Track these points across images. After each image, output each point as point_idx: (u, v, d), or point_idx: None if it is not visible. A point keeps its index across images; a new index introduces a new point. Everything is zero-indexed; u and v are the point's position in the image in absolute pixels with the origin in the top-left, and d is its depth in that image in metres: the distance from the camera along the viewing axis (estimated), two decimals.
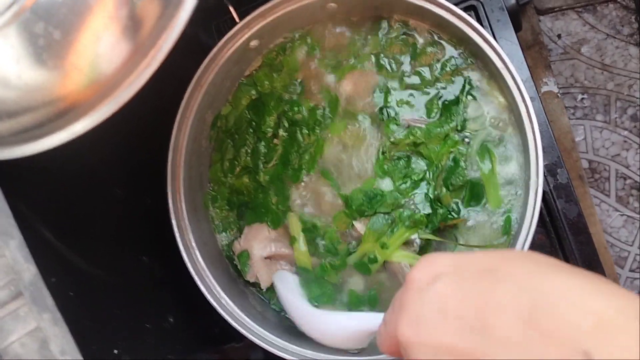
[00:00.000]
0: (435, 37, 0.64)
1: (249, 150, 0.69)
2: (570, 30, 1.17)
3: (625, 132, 1.14)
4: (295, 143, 0.66)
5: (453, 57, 0.63)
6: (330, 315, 0.59)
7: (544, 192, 0.70)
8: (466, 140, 0.63)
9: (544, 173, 0.70)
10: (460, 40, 0.62)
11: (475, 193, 0.61)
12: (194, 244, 0.64)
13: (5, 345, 0.43)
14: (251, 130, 0.69)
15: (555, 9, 1.17)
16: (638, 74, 1.16)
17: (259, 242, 0.65)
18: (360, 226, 0.63)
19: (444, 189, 0.63)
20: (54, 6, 0.38)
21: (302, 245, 0.65)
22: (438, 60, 0.63)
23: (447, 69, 0.63)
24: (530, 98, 0.69)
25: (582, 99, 1.15)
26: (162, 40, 0.41)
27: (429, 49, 0.64)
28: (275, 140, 0.68)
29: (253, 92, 0.68)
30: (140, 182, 0.70)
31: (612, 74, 1.16)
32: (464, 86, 0.63)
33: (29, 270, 0.43)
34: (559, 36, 1.16)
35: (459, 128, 0.63)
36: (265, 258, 0.66)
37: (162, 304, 0.69)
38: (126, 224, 0.68)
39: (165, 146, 0.65)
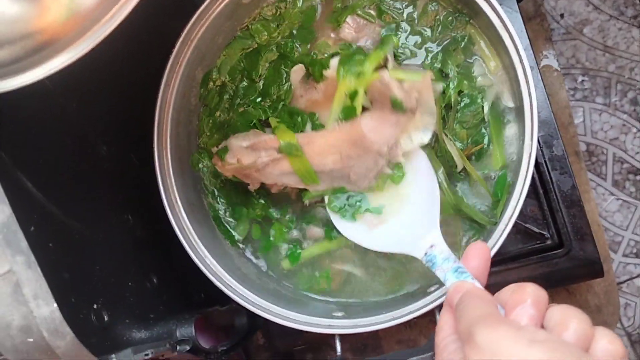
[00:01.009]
0: None
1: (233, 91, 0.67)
2: (574, 10, 1.15)
3: (625, 116, 1.13)
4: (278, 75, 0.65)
5: (454, 16, 0.61)
6: None
7: (539, 164, 0.69)
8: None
9: (540, 144, 0.69)
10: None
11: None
12: (179, 203, 0.63)
13: None
14: (241, 79, 0.67)
15: None
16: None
17: (237, 138, 0.62)
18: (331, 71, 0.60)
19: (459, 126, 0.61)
20: None
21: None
22: (439, 21, 0.61)
23: (449, 27, 0.61)
24: (530, 67, 0.68)
25: (583, 80, 1.13)
26: None
27: (430, 7, 0.62)
28: None
29: (249, 42, 0.67)
30: (127, 139, 0.68)
31: (614, 56, 1.14)
32: (465, 39, 0.61)
33: (2, 211, 0.42)
34: (562, 16, 1.14)
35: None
36: (246, 148, 0.61)
37: (146, 264, 0.67)
38: (110, 181, 0.66)
39: (152, 102, 0.64)
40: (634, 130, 1.13)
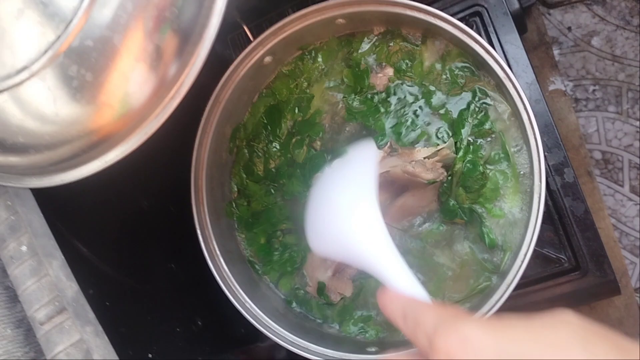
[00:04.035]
0: (439, 53, 0.67)
1: (263, 152, 0.73)
2: (580, 23, 1.18)
3: (638, 123, 1.16)
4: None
5: (460, 69, 0.66)
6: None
7: (552, 191, 0.72)
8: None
9: (551, 173, 0.72)
10: (465, 52, 0.64)
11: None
12: (218, 252, 0.68)
13: (52, 355, 0.47)
14: (267, 135, 0.72)
15: (565, 2, 1.18)
16: None
17: (318, 270, 0.69)
18: None
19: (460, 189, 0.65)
20: (85, 51, 0.42)
21: None
22: (446, 76, 0.66)
23: (457, 83, 0.66)
24: (535, 100, 0.72)
25: (594, 90, 1.16)
26: (184, 75, 0.44)
27: (437, 65, 0.66)
28: None
29: (271, 101, 0.72)
30: (165, 193, 0.74)
31: (623, 65, 1.17)
32: (474, 94, 0.66)
33: (71, 287, 0.47)
34: (569, 29, 1.17)
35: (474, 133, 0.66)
36: (333, 276, 0.69)
37: (190, 308, 0.73)
38: (153, 233, 0.72)
39: (187, 157, 0.69)
40: None
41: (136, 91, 0.44)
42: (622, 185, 1.13)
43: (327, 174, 0.60)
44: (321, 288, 0.68)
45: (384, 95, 0.69)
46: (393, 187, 0.66)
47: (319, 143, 0.70)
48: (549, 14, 1.18)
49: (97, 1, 0.41)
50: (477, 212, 0.64)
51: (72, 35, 0.41)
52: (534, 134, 0.57)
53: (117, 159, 0.45)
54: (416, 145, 0.66)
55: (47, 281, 0.47)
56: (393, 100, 0.69)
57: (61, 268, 0.48)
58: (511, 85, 0.59)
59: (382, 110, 0.69)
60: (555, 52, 1.15)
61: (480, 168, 0.63)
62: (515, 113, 0.61)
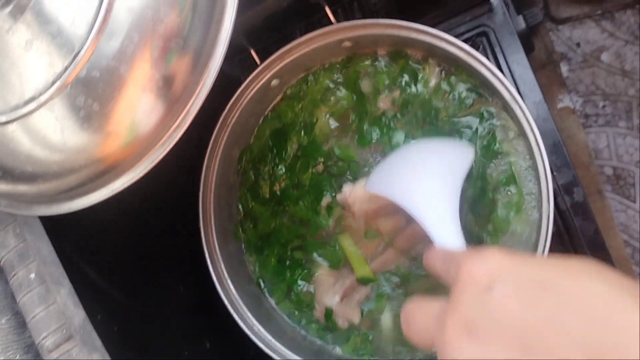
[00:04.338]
0: (444, 74, 0.67)
1: (269, 175, 0.73)
2: (589, 38, 1.18)
3: None
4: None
5: (467, 90, 0.66)
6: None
7: (561, 211, 0.72)
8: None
9: (561, 192, 0.72)
10: (471, 73, 0.64)
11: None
12: (226, 275, 0.68)
13: None
14: (272, 157, 0.73)
15: (573, 18, 1.18)
16: None
17: (327, 294, 0.69)
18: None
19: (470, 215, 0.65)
20: (92, 81, 0.42)
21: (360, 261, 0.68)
22: (453, 98, 0.66)
23: (464, 104, 0.66)
24: (543, 119, 0.71)
25: (604, 106, 1.15)
26: (190, 104, 0.45)
27: (443, 86, 0.66)
28: None
29: (277, 124, 0.72)
30: (173, 215, 0.74)
31: (633, 80, 1.16)
32: (482, 117, 0.65)
33: (78, 315, 0.48)
34: (578, 45, 1.17)
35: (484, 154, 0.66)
36: (341, 301, 0.68)
37: (199, 330, 0.73)
38: (161, 255, 0.72)
39: (195, 179, 0.69)
40: None
41: (142, 120, 0.44)
42: (634, 201, 1.12)
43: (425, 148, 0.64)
44: (329, 314, 0.68)
45: (392, 113, 0.69)
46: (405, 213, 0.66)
47: (322, 166, 0.70)
48: (558, 30, 1.18)
49: (104, 32, 0.41)
50: (483, 238, 0.63)
51: (79, 66, 0.42)
52: (542, 157, 0.57)
53: (124, 187, 0.46)
54: None
55: (55, 309, 0.48)
56: (403, 116, 0.69)
57: (69, 295, 0.48)
58: (517, 107, 0.59)
59: (393, 126, 0.69)
60: (564, 68, 1.15)
61: (490, 194, 0.63)
62: (522, 135, 0.61)
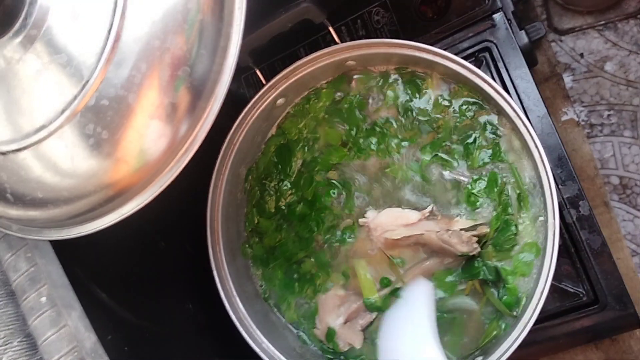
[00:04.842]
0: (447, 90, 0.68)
1: (274, 190, 0.74)
2: (593, 49, 1.18)
3: None
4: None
5: (469, 104, 0.66)
6: None
7: (567, 224, 0.72)
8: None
9: (567, 206, 0.72)
10: (473, 89, 0.65)
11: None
12: (234, 292, 0.69)
13: None
14: (277, 173, 0.74)
15: (576, 29, 1.18)
16: None
17: (331, 315, 0.69)
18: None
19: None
20: (101, 110, 0.43)
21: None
22: (454, 110, 0.66)
23: (466, 115, 0.66)
24: (548, 134, 0.72)
25: (609, 115, 1.15)
26: (197, 130, 0.46)
27: (445, 100, 0.67)
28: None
29: (282, 140, 0.73)
30: (181, 233, 0.75)
31: (637, 90, 1.17)
32: (484, 127, 0.66)
33: (89, 338, 0.48)
34: (582, 55, 1.17)
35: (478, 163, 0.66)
36: (345, 324, 0.69)
37: (208, 347, 0.73)
38: (170, 273, 0.73)
39: (203, 197, 0.70)
40: None
41: (151, 147, 0.45)
42: None
43: (390, 315, 0.67)
44: (331, 334, 0.68)
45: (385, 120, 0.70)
46: (423, 248, 0.67)
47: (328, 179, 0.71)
48: (561, 41, 1.18)
49: (113, 62, 0.42)
50: (502, 274, 0.64)
51: (88, 95, 0.43)
52: (547, 174, 0.58)
53: (133, 211, 0.47)
54: (456, 215, 0.66)
55: (66, 332, 0.48)
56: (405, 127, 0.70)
57: (80, 319, 0.49)
58: (521, 124, 0.60)
59: (387, 132, 0.70)
60: (569, 78, 1.15)
61: (514, 229, 0.63)
62: (527, 150, 0.61)
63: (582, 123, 1.03)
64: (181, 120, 0.45)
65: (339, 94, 0.71)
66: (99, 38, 0.42)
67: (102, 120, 0.43)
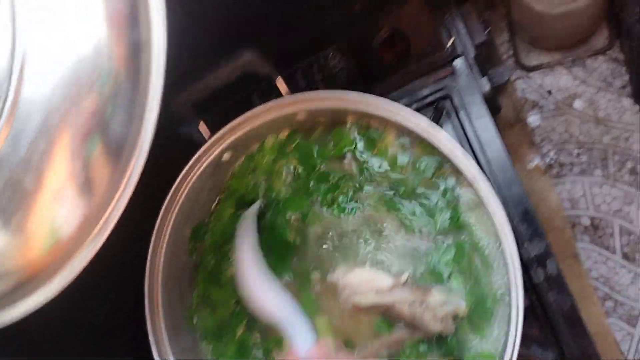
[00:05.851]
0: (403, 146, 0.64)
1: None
2: (561, 86, 1.16)
3: (626, 187, 1.12)
4: None
5: (427, 163, 0.62)
6: None
7: (535, 285, 0.68)
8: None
9: (534, 265, 0.68)
10: (429, 146, 0.61)
11: None
12: None
13: None
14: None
15: (544, 65, 1.16)
16: (634, 125, 1.13)
17: None
18: None
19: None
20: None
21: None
22: (412, 168, 0.62)
23: (424, 175, 0.62)
24: (512, 185, 0.68)
25: (578, 154, 1.13)
26: (115, 200, 0.40)
27: (402, 158, 0.63)
28: None
29: (230, 205, 0.68)
30: (121, 304, 0.69)
31: (607, 127, 1.14)
32: (444, 191, 0.62)
33: None
34: (550, 92, 1.15)
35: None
36: None
37: None
38: (111, 350, 0.67)
39: (142, 258, 0.64)
40: (637, 200, 1.11)
41: (65, 217, 0.40)
42: (614, 252, 1.09)
43: None
44: None
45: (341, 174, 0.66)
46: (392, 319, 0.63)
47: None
48: (528, 77, 1.16)
49: (9, 138, 0.37)
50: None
51: None
52: (510, 253, 0.53)
53: (48, 300, 0.41)
54: (433, 287, 0.61)
55: None
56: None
57: None
58: (482, 186, 0.55)
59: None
60: (537, 116, 1.12)
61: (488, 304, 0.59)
62: (488, 214, 0.57)
63: (552, 162, 1.00)
64: (98, 186, 0.40)
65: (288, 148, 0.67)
66: None
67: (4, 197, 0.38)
